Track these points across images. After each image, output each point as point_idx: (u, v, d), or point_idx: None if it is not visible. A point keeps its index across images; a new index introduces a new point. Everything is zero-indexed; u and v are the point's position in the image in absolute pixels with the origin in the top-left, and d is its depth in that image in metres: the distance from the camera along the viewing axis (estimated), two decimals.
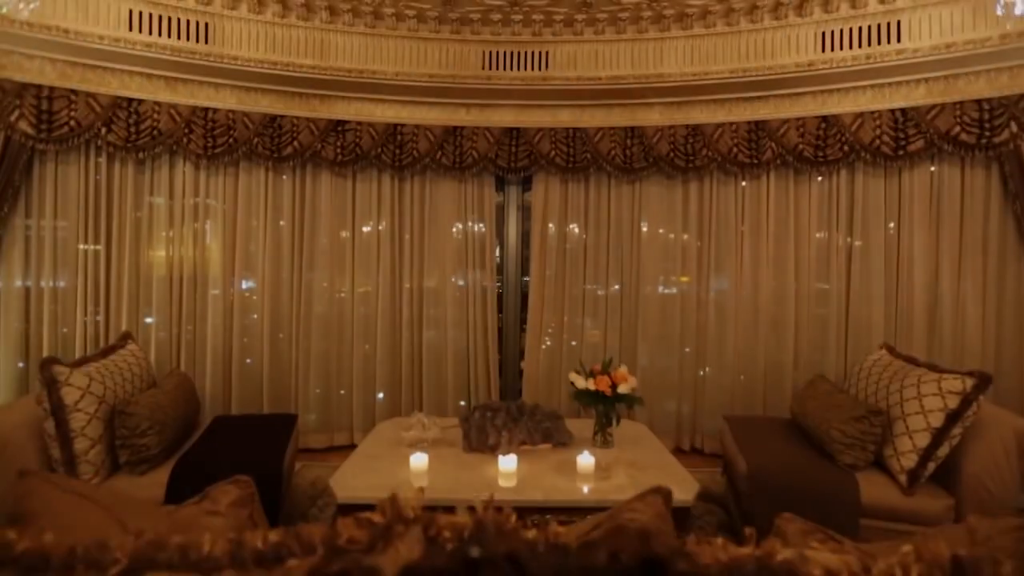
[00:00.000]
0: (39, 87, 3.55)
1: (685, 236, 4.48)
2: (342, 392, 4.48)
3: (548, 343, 4.61)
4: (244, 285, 4.34)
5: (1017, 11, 2.27)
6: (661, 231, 4.52)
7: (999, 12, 2.26)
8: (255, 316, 4.32)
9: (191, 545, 0.76)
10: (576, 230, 4.59)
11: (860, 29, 3.45)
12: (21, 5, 2.33)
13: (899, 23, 3.38)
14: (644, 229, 4.52)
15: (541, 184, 4.54)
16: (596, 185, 4.55)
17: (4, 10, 2.34)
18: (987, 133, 3.57)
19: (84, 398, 2.36)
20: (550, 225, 4.57)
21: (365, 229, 4.52)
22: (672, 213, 4.49)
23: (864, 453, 2.61)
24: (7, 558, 0.73)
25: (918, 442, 2.46)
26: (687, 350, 4.46)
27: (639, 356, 4.48)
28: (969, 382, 2.42)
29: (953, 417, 2.41)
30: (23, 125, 3.54)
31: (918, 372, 2.68)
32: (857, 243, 4.11)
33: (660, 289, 4.55)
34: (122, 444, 2.43)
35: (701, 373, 4.45)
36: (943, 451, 2.44)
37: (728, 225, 4.39)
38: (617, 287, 4.55)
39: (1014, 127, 3.51)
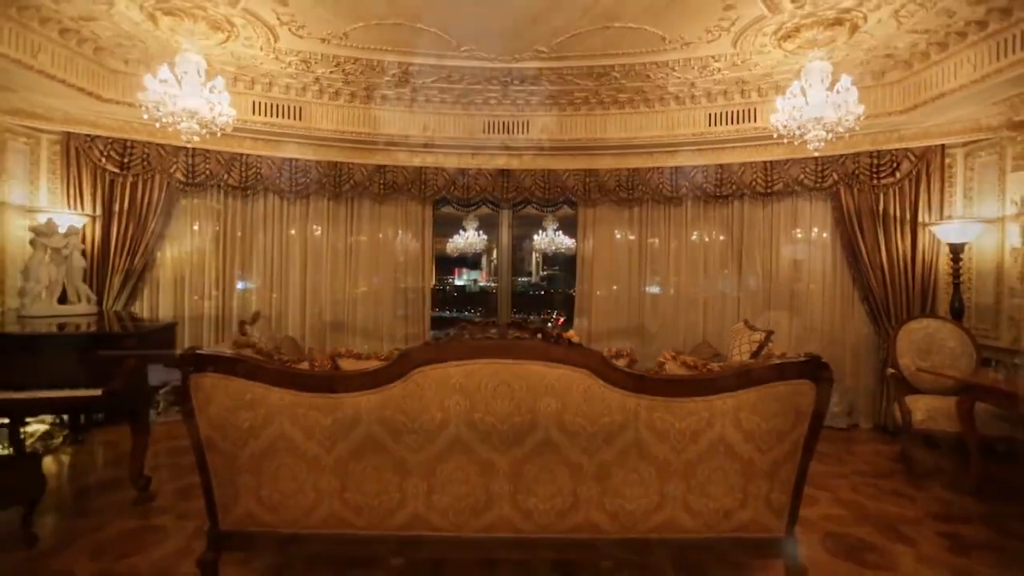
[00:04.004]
0: (187, 149, 5.33)
1: (631, 243, 6.25)
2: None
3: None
4: (313, 277, 6.11)
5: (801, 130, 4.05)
6: (616, 238, 6.30)
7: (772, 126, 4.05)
8: (321, 298, 6.09)
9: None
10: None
11: (732, 112, 5.23)
12: (219, 125, 4.03)
13: (755, 110, 5.16)
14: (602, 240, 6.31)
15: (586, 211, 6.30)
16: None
17: (215, 119, 4.00)
18: (820, 179, 5.36)
19: (257, 342, 4.12)
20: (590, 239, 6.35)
21: (395, 238, 6.29)
22: (621, 230, 6.28)
23: None
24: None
25: None
26: (631, 328, 6.23)
27: (595, 336, 6.26)
28: (763, 335, 4.19)
29: (755, 355, 4.18)
30: (178, 175, 5.31)
31: (746, 332, 4.45)
32: (745, 251, 5.89)
33: (613, 286, 6.33)
34: None
35: (640, 344, 6.22)
36: None
37: (660, 238, 6.17)
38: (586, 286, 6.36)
39: (835, 176, 5.30)
